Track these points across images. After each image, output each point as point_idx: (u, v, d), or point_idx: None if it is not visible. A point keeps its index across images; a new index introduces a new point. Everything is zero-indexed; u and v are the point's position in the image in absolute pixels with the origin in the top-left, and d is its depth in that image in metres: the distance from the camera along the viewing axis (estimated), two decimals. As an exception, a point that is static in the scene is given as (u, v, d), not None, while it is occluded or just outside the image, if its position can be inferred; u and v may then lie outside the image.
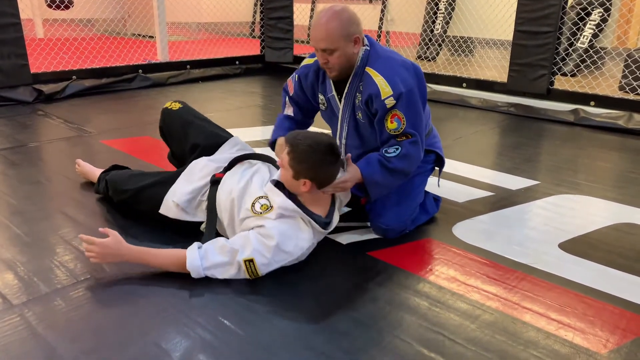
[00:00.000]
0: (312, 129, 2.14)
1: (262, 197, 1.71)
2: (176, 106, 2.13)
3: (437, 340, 1.40)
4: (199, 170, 1.92)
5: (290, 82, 2.12)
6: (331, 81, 1.96)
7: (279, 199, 1.67)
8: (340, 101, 1.96)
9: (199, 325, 1.42)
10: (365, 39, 1.88)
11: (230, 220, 1.77)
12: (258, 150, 2.19)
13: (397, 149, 1.84)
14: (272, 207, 1.67)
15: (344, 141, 2.02)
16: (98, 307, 1.50)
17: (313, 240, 1.73)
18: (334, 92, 1.97)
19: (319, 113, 2.16)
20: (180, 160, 2.14)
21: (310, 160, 1.62)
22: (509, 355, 1.35)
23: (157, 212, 1.90)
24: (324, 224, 1.73)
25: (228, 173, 1.88)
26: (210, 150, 2.03)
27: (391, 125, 1.82)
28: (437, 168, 2.17)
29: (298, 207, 1.67)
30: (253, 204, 1.69)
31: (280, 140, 1.94)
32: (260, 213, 1.66)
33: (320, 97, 2.05)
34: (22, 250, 1.81)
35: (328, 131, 2.12)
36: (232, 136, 2.11)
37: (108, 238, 1.61)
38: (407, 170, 1.89)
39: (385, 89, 1.79)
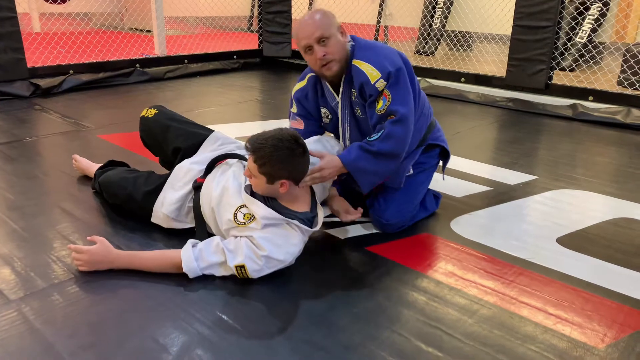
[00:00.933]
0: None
1: (243, 205, 1.65)
2: (152, 112, 2.08)
3: (434, 335, 1.40)
4: (183, 176, 1.88)
5: (294, 122, 2.08)
6: (331, 89, 1.95)
7: (260, 210, 1.61)
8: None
9: (197, 320, 1.42)
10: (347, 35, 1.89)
11: (215, 227, 1.75)
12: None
13: (379, 131, 1.80)
14: (254, 216, 1.63)
15: (347, 142, 2.01)
16: (95, 302, 1.50)
17: (303, 241, 1.69)
18: (338, 99, 1.96)
19: None
20: (169, 166, 2.07)
21: (280, 160, 1.55)
22: (506, 349, 1.35)
23: (148, 220, 1.89)
24: (310, 221, 1.69)
25: (208, 177, 1.83)
26: (192, 151, 1.98)
27: (379, 105, 1.82)
28: (441, 162, 2.17)
29: (281, 213, 1.62)
30: (235, 215, 1.64)
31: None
32: (244, 223, 1.62)
33: (323, 110, 2.04)
34: (19, 245, 1.80)
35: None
36: (212, 132, 2.04)
37: (95, 245, 1.61)
38: (394, 151, 1.79)
39: (372, 73, 1.79)
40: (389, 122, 1.79)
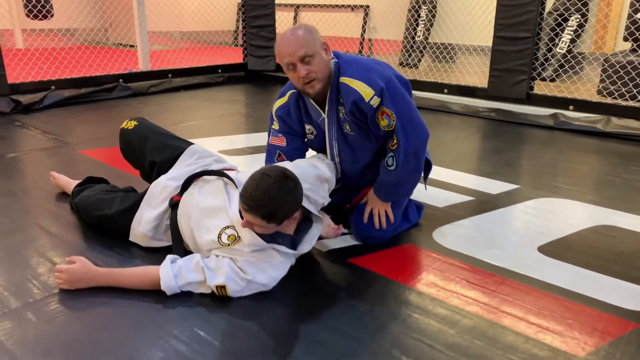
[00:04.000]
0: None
1: (228, 227, 1.62)
2: (132, 124, 2.05)
3: (416, 346, 1.39)
4: (159, 193, 1.85)
5: (275, 139, 2.02)
6: (316, 106, 1.91)
7: (248, 235, 1.56)
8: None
9: (173, 336, 1.39)
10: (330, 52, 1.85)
11: (194, 245, 1.72)
12: (235, 158, 2.17)
13: (392, 159, 1.83)
14: (240, 237, 1.59)
15: (337, 159, 2.00)
16: (70, 320, 1.46)
17: (289, 264, 1.65)
18: (324, 115, 1.92)
19: None
20: (149, 180, 2.03)
21: (286, 204, 1.49)
22: (487, 360, 1.34)
23: (126, 238, 1.86)
24: (294, 244, 1.65)
25: (185, 195, 1.79)
26: (167, 165, 1.95)
27: (383, 122, 1.81)
28: (423, 172, 2.17)
29: (268, 241, 1.58)
30: (219, 235, 1.61)
31: None
32: (228, 245, 1.59)
33: (308, 127, 2.00)
34: (-6, 263, 1.77)
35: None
36: (190, 145, 2.01)
37: (75, 265, 1.58)
38: (419, 165, 1.90)
39: (365, 90, 1.76)
40: (401, 147, 1.81)
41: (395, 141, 1.83)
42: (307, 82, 1.78)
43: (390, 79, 1.79)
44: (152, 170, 1.97)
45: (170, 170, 1.93)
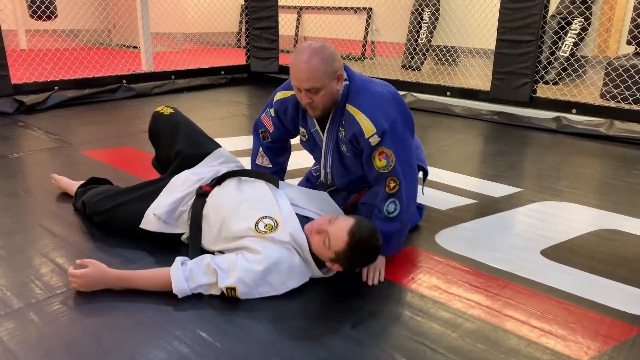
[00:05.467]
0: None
1: (266, 217, 1.67)
2: (167, 111, 2.11)
3: (418, 350, 1.39)
4: (180, 184, 1.90)
5: (267, 119, 2.06)
6: (314, 120, 1.91)
7: (293, 227, 1.63)
8: (322, 133, 1.92)
9: (176, 338, 1.39)
10: (345, 72, 1.80)
11: (216, 235, 1.73)
12: (242, 160, 2.18)
13: (394, 204, 1.78)
14: (276, 227, 1.63)
15: (329, 170, 2.00)
16: (72, 321, 1.46)
17: (303, 278, 1.66)
18: (317, 127, 1.92)
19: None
20: (164, 166, 2.09)
21: (356, 258, 1.61)
22: (490, 364, 1.34)
23: (136, 228, 1.86)
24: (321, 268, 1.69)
25: (217, 188, 1.84)
26: (192, 159, 2.00)
27: (380, 162, 1.76)
28: (420, 176, 2.17)
29: (306, 244, 1.62)
30: (257, 223, 1.65)
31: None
32: (265, 232, 1.62)
33: (302, 129, 2.01)
34: (-3, 264, 1.77)
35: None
36: (219, 147, 2.07)
37: (88, 269, 1.59)
38: (413, 209, 1.87)
39: (368, 127, 1.73)
40: (402, 191, 1.77)
41: (394, 184, 1.78)
42: (308, 106, 1.77)
43: (395, 120, 1.75)
44: (175, 160, 2.01)
45: (194, 167, 1.97)
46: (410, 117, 1.85)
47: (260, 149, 2.13)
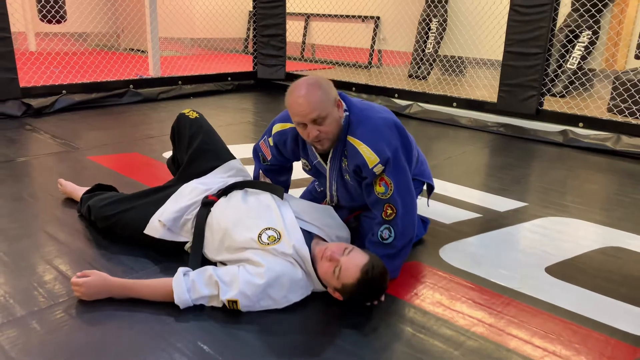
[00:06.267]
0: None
1: (269, 228, 1.67)
2: (193, 115, 2.15)
3: (420, 367, 1.38)
4: (188, 193, 1.92)
5: (265, 148, 2.07)
6: (315, 151, 1.91)
7: (297, 240, 1.64)
8: (325, 163, 1.92)
9: (177, 350, 1.39)
10: (343, 101, 1.80)
11: (219, 244, 1.73)
12: (248, 168, 2.18)
13: (389, 230, 1.79)
14: (280, 239, 1.63)
15: (334, 193, 2.01)
16: (74, 330, 1.46)
17: (305, 295, 1.66)
18: (320, 159, 1.93)
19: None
20: (178, 168, 2.14)
21: (361, 296, 1.60)
22: (492, 384, 1.33)
23: (140, 235, 1.87)
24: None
25: (223, 198, 1.85)
26: (199, 167, 2.02)
27: (379, 188, 1.78)
28: (425, 189, 2.16)
29: (309, 257, 1.63)
30: (260, 235, 1.65)
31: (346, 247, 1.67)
32: (268, 244, 1.63)
33: (303, 160, 2.02)
34: (0, 270, 1.77)
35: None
36: (232, 159, 2.09)
37: (90, 278, 1.59)
38: (411, 235, 1.84)
39: (371, 157, 1.73)
40: (398, 218, 1.78)
41: (391, 212, 1.78)
42: (317, 140, 1.76)
43: (397, 148, 1.76)
44: (184, 164, 2.04)
45: (204, 177, 1.99)
46: (410, 140, 1.86)
47: (261, 171, 2.15)
